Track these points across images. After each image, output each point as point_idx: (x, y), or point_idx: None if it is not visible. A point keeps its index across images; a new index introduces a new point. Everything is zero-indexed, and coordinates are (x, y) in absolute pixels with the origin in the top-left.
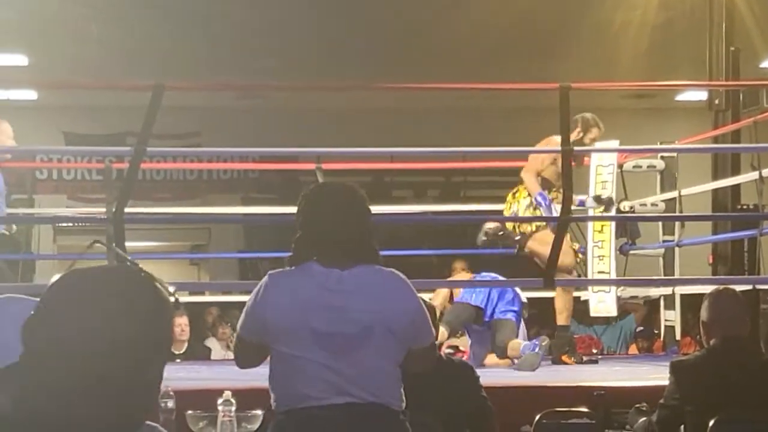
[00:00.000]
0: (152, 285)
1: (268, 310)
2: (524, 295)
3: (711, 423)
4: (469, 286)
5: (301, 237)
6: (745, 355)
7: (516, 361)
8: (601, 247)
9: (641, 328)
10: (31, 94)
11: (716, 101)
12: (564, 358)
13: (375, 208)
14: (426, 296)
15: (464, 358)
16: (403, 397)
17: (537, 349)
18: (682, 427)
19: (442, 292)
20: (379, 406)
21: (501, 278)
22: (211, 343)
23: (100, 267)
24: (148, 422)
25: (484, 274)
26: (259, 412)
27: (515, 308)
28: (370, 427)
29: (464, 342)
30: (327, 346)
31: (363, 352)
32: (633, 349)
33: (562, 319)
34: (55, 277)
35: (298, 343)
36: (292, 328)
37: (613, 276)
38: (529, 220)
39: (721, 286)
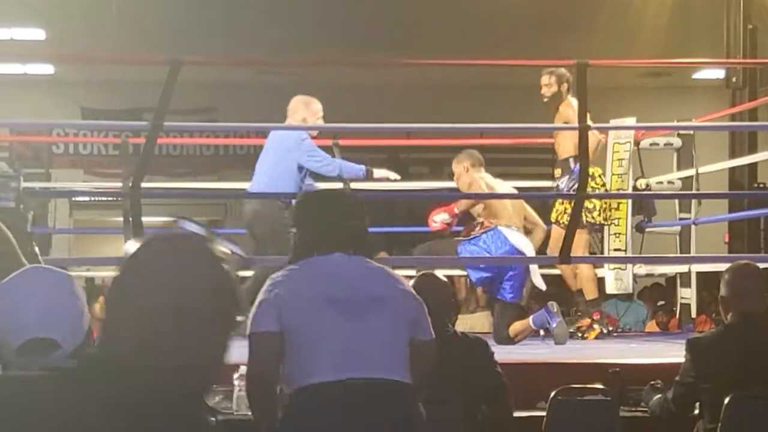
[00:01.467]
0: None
1: (286, 290)
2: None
3: (727, 400)
4: (477, 263)
5: (302, 238)
6: (763, 331)
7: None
8: (617, 224)
9: (662, 302)
10: (48, 69)
11: (733, 79)
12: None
13: (391, 185)
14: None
15: None
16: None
17: (555, 320)
18: (698, 404)
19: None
20: (393, 384)
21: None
22: None
23: (178, 234)
24: None
25: (502, 229)
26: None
27: (516, 284)
28: (383, 408)
29: (481, 320)
30: (342, 311)
31: (376, 319)
32: (651, 326)
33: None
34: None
35: (314, 312)
36: (309, 297)
37: (629, 253)
38: (549, 196)
39: (742, 261)
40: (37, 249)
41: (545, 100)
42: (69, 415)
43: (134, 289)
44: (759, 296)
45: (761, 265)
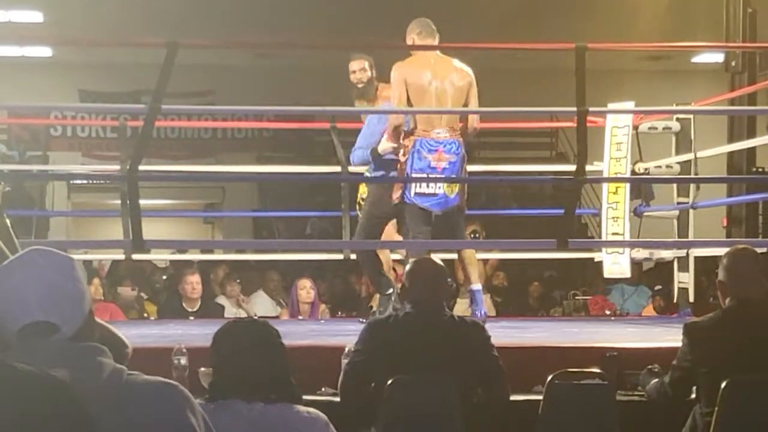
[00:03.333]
0: None
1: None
2: None
3: (723, 385)
4: (476, 247)
5: (218, 377)
6: (760, 316)
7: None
8: (615, 208)
9: (659, 287)
10: (46, 51)
11: (733, 63)
12: None
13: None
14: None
15: None
16: None
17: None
18: (695, 388)
19: None
20: None
21: None
22: (223, 300)
23: None
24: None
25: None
26: None
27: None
28: None
29: None
30: None
31: None
32: (648, 310)
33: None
34: None
35: None
36: None
37: (627, 237)
38: (546, 182)
39: (740, 246)
40: (8, 221)
41: (360, 86)
42: None
43: None
44: (757, 281)
45: (759, 250)
